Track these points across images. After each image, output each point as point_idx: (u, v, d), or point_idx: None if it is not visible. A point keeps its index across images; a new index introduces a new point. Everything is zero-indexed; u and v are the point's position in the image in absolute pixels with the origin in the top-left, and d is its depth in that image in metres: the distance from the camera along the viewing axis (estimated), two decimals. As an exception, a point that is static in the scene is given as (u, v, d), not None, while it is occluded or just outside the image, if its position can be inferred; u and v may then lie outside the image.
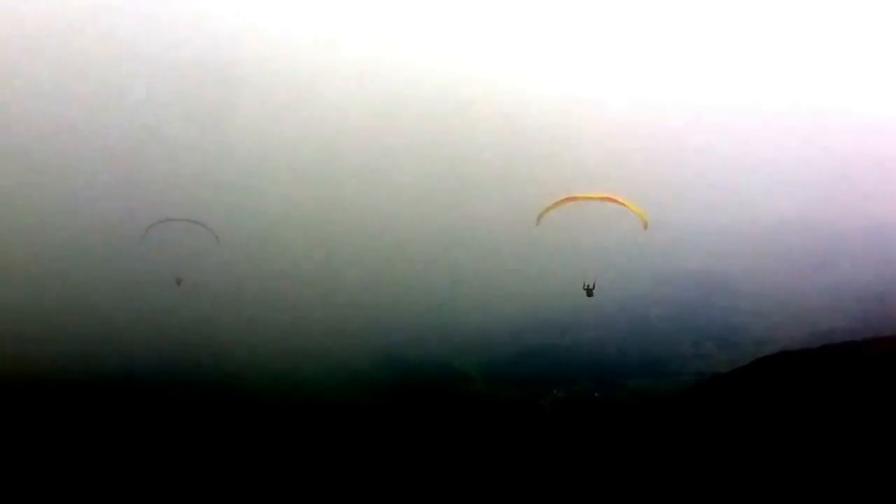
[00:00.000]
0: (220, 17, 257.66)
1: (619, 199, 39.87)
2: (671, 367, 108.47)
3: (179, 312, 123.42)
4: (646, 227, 40.31)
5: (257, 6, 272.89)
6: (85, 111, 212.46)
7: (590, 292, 43.68)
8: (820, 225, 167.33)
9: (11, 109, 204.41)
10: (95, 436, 71.75)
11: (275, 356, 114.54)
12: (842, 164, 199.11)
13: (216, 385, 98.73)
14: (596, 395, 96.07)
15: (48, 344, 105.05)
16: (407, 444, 70.39)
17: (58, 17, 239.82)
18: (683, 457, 49.56)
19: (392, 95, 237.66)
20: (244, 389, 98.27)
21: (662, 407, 65.14)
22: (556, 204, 40.82)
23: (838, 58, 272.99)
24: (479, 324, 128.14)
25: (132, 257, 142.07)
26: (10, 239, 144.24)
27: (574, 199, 40.26)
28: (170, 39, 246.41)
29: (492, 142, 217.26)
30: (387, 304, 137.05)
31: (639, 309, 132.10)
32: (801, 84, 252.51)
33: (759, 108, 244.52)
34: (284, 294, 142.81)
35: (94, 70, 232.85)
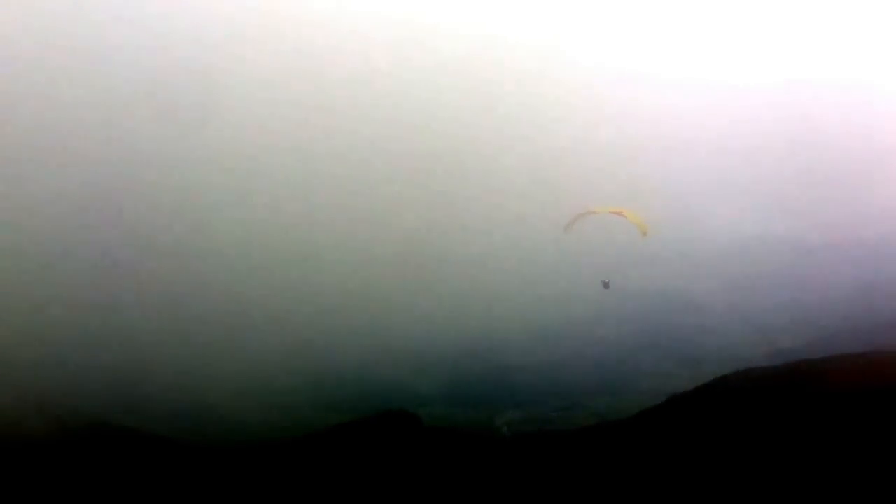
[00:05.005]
0: (201, 20, 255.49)
1: (625, 213, 45.85)
2: (631, 385, 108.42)
3: (141, 324, 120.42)
4: (644, 234, 46.37)
5: (242, 8, 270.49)
6: (58, 115, 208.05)
7: (606, 285, 51.02)
8: (783, 243, 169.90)
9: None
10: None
11: (228, 375, 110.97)
12: (808, 183, 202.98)
13: (171, 404, 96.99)
14: (554, 415, 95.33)
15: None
16: (363, 467, 67.43)
17: (34, 20, 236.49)
18: (644, 477, 48.22)
19: (370, 108, 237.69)
20: (196, 413, 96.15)
21: (623, 427, 63.83)
22: (581, 215, 46.63)
23: (816, 81, 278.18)
24: (437, 344, 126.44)
25: (103, 265, 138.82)
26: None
27: (594, 212, 46.28)
28: (147, 41, 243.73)
29: (463, 160, 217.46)
30: (343, 324, 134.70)
31: (599, 327, 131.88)
32: (773, 105, 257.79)
33: (727, 130, 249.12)
34: (245, 307, 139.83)
35: (69, 73, 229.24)
